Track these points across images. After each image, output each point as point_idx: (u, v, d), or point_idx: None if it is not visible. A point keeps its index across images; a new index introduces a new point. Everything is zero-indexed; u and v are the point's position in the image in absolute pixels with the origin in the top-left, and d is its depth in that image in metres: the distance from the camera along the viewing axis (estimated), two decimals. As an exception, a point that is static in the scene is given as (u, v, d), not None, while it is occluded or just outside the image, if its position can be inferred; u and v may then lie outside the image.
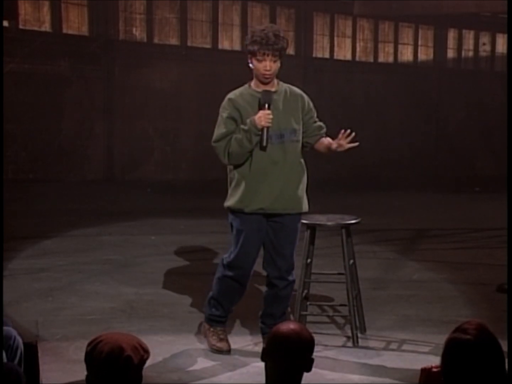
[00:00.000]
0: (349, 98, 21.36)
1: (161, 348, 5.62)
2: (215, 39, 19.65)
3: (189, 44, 19.20)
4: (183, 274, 8.24)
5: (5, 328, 4.08)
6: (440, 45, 23.49)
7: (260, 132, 5.23)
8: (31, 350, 4.17)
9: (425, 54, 23.59)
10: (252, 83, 5.44)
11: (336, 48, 21.86)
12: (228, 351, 5.52)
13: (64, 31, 17.37)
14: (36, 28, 16.90)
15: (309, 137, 5.58)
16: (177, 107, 18.78)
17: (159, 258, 9.07)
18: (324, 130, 5.64)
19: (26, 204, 13.24)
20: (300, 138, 5.50)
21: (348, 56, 22.15)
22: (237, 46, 20.10)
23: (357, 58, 22.32)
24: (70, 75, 17.23)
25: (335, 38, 21.83)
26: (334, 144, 5.44)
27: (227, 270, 5.55)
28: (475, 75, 23.79)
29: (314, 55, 21.39)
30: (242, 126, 5.26)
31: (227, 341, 5.59)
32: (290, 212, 5.47)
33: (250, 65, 5.36)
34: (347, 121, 21.18)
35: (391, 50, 22.96)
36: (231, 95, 5.42)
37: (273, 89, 5.42)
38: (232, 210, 5.49)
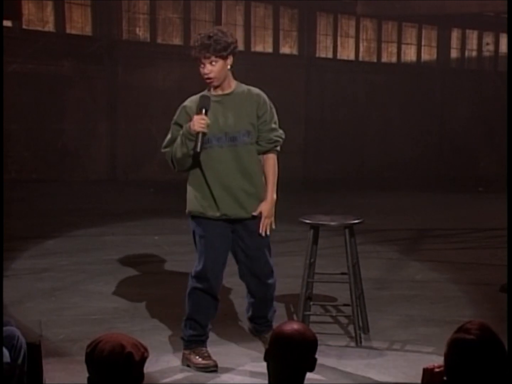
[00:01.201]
0: (352, 98, 21.35)
1: (164, 348, 5.63)
2: (218, 39, 19.63)
3: (192, 44, 19.18)
4: (186, 274, 8.19)
5: (8, 328, 4.08)
6: (443, 45, 23.47)
7: (194, 138, 5.02)
8: (35, 350, 4.17)
9: (429, 54, 23.58)
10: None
11: (339, 48, 21.86)
12: (215, 367, 5.23)
13: (68, 31, 17.39)
14: (39, 28, 16.92)
15: (258, 144, 5.27)
16: (180, 107, 18.78)
17: (162, 258, 9.08)
18: (274, 145, 5.31)
19: (29, 204, 13.26)
20: (255, 141, 5.24)
21: (352, 56, 22.15)
22: (240, 46, 20.00)
23: (360, 58, 22.31)
24: (73, 75, 17.25)
25: (338, 38, 21.83)
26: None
27: (196, 282, 5.28)
28: (479, 75, 23.77)
29: (317, 55, 21.39)
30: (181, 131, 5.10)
31: (211, 358, 5.28)
32: (255, 215, 5.24)
33: None
34: (350, 121, 21.27)
35: (395, 50, 22.95)
36: (186, 101, 5.25)
37: (228, 91, 5.23)
38: (194, 215, 5.26)
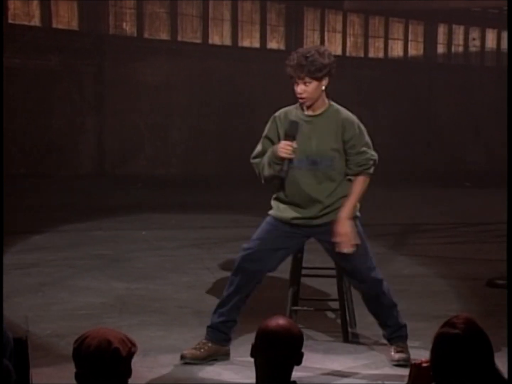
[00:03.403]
0: (339, 93, 21.24)
1: (152, 343, 5.62)
2: (205, 34, 19.63)
3: (179, 39, 19.18)
4: (174, 269, 8.24)
5: (-6, 323, 4.07)
6: (430, 40, 23.52)
7: (280, 162, 5.08)
8: (21, 346, 4.16)
9: (415, 49, 23.62)
10: None
11: (326, 43, 21.84)
12: (204, 359, 5.20)
13: (54, 25, 17.34)
14: (25, 23, 16.86)
15: (348, 168, 5.27)
16: (168, 101, 18.76)
17: (150, 253, 9.08)
18: (363, 168, 5.25)
19: (16, 199, 13.21)
20: (339, 166, 5.22)
21: (339, 51, 22.15)
22: (227, 41, 20.09)
23: (347, 53, 22.34)
24: (61, 70, 17.20)
25: (326, 33, 21.84)
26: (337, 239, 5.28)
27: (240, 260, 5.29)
28: (465, 70, 23.83)
29: (304, 50, 21.38)
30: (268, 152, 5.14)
31: (200, 350, 5.22)
32: (327, 221, 5.27)
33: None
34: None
35: (382, 45, 22.98)
36: (278, 112, 5.26)
37: (318, 112, 5.27)
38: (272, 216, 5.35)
